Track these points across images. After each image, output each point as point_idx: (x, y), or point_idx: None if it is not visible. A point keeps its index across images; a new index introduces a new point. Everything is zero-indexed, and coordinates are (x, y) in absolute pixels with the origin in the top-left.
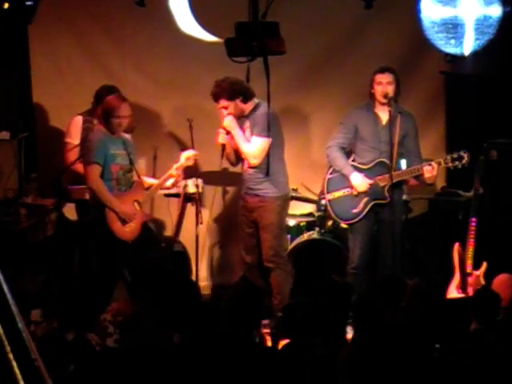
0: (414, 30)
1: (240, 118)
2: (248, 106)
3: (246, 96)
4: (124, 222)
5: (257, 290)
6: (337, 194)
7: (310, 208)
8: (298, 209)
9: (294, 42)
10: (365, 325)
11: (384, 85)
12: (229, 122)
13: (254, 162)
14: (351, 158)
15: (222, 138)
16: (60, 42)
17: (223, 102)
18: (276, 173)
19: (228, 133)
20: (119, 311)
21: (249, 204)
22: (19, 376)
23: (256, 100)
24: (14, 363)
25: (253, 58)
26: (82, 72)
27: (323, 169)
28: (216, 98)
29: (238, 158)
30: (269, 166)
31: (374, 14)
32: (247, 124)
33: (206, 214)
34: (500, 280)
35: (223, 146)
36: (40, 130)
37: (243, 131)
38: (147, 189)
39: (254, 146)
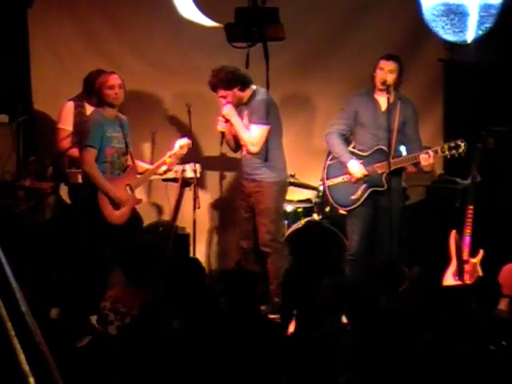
0: (413, 17)
1: (239, 105)
2: (246, 94)
3: (244, 84)
4: (116, 206)
5: (250, 275)
6: (336, 181)
7: (307, 194)
8: (295, 195)
9: (293, 28)
10: (359, 312)
11: (385, 72)
12: (228, 110)
13: (254, 149)
14: (352, 145)
15: (221, 126)
16: (59, 26)
17: (221, 92)
18: (274, 159)
19: (227, 121)
20: (117, 298)
21: (246, 189)
22: (23, 360)
23: (254, 87)
24: (18, 347)
25: (252, 44)
26: (81, 56)
27: (322, 154)
28: (214, 88)
29: (238, 144)
30: (267, 151)
31: (374, 1)
32: (245, 112)
33: (204, 199)
34: (509, 269)
35: (222, 133)
36: (38, 114)
37: (242, 118)
38: (141, 174)
39: (253, 134)
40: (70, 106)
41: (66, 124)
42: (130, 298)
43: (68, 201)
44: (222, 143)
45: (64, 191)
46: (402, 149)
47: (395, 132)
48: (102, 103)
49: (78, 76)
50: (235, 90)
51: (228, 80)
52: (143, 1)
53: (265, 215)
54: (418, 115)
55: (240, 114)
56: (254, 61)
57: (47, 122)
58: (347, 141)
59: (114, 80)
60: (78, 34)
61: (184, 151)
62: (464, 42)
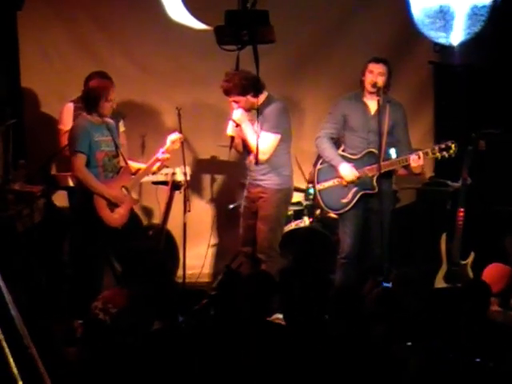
0: (403, 20)
1: (250, 110)
2: (258, 100)
3: (258, 90)
4: (113, 207)
5: (273, 280)
6: (326, 184)
7: (298, 197)
8: None
9: (283, 31)
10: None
11: (375, 74)
12: (239, 115)
13: (263, 157)
14: (341, 149)
15: (231, 130)
16: (49, 28)
17: (234, 97)
18: (281, 166)
19: (238, 125)
20: (110, 299)
21: (252, 194)
22: (12, 363)
23: (266, 93)
24: (7, 350)
25: (242, 47)
26: (71, 59)
27: (312, 157)
28: (227, 92)
29: (246, 149)
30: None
31: (364, 4)
32: (257, 117)
33: (194, 202)
34: (492, 269)
35: (232, 137)
36: (28, 117)
37: (252, 124)
38: (134, 173)
39: (263, 142)
40: (69, 107)
41: (66, 125)
42: (119, 299)
43: (60, 204)
44: (231, 147)
45: (56, 195)
46: (392, 151)
47: (385, 135)
48: (93, 110)
49: (67, 78)
50: (249, 96)
51: (243, 86)
52: (133, 4)
53: (265, 222)
54: (408, 118)
55: (251, 119)
56: (244, 63)
57: (37, 124)
58: (336, 144)
59: (114, 94)
60: (68, 37)
61: (176, 146)
62: (451, 45)
